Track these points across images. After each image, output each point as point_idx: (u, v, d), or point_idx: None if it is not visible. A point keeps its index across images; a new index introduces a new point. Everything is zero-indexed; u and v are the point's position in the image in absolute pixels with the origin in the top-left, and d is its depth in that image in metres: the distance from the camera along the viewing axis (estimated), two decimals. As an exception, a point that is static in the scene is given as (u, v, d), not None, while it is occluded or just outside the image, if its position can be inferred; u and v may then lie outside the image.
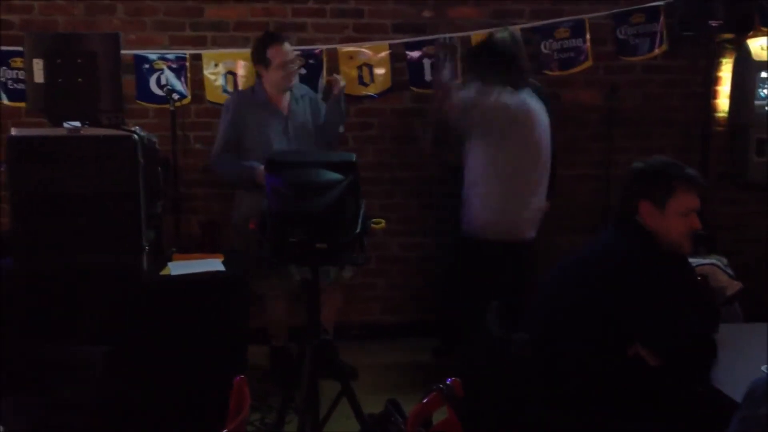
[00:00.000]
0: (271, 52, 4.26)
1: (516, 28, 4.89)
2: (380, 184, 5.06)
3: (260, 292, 4.46)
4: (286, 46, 4.31)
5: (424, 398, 2.01)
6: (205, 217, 4.90)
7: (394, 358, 4.86)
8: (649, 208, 2.59)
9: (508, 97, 3.85)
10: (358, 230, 3.19)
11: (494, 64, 3.91)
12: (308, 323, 3.38)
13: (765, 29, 5.09)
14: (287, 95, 4.41)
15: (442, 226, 4.97)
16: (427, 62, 4.99)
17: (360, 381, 4.24)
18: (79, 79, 3.47)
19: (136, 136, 3.48)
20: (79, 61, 3.48)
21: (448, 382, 2.02)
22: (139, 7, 4.77)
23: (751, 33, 5.03)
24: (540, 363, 2.51)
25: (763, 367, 2.50)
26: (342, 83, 4.46)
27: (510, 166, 3.87)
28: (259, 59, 4.31)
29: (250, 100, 4.34)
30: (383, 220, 3.66)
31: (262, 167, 4.02)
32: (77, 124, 3.47)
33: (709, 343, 2.47)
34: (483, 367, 2.63)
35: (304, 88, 4.58)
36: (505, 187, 3.88)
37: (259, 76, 4.42)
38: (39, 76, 3.50)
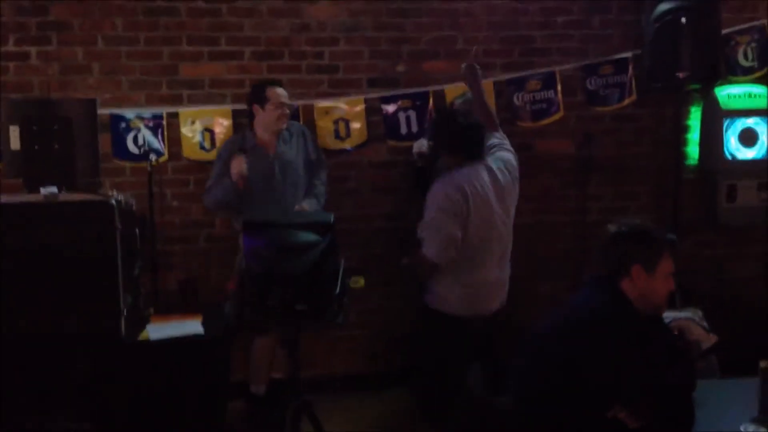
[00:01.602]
0: (269, 92, 4.47)
1: (486, 82, 4.96)
2: (359, 236, 5.08)
3: (243, 344, 4.46)
4: (282, 90, 4.53)
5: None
6: (182, 273, 4.88)
7: (378, 411, 4.84)
8: (640, 271, 2.65)
9: (464, 180, 3.79)
10: (337, 291, 3.21)
11: (454, 137, 3.89)
12: (289, 381, 3.38)
13: (731, 78, 5.23)
14: (275, 137, 4.55)
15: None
16: (402, 115, 5.06)
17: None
18: (56, 146, 3.49)
19: (113, 201, 3.49)
20: (55, 127, 3.50)
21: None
22: (115, 66, 4.78)
23: (717, 82, 5.15)
24: (523, 425, 2.53)
25: (742, 427, 2.53)
26: None
27: (468, 244, 3.80)
28: (258, 98, 4.50)
29: (239, 146, 4.47)
30: (362, 278, 3.66)
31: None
32: (54, 189, 3.47)
33: (687, 405, 2.49)
34: (467, 429, 2.63)
35: (296, 126, 4.72)
36: (464, 264, 3.82)
37: (248, 122, 4.56)
38: (15, 143, 3.52)
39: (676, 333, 3.33)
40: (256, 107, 4.50)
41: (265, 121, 4.50)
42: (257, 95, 4.51)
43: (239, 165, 4.32)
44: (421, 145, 4.48)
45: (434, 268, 3.80)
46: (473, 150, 3.89)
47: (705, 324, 3.57)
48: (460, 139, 3.88)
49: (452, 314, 3.80)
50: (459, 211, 3.74)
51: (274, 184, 4.47)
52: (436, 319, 3.85)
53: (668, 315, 3.50)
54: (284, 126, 4.54)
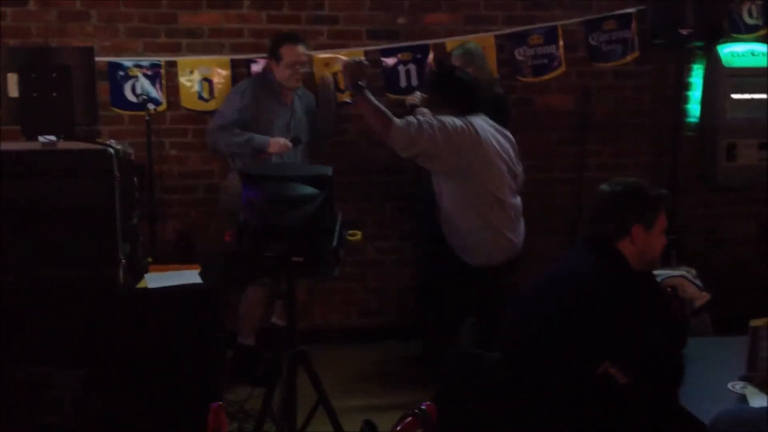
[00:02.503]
0: (284, 50, 4.46)
1: (487, 36, 4.96)
2: (356, 189, 5.10)
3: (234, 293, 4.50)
4: (301, 48, 4.52)
5: (398, 424, 2.05)
6: (180, 223, 4.91)
7: (372, 363, 4.91)
8: (639, 230, 2.65)
9: (476, 123, 3.82)
10: (334, 244, 3.23)
11: (454, 91, 3.89)
12: (286, 332, 3.42)
13: (734, 36, 5.19)
14: (292, 94, 4.59)
15: (417, 228, 5.02)
16: (402, 68, 5.03)
17: (338, 386, 4.29)
18: (54, 93, 3.47)
19: (111, 150, 3.48)
20: (53, 75, 3.47)
21: (423, 407, 2.06)
22: (113, 13, 4.74)
23: (720, 40, 5.10)
24: (513, 382, 2.56)
25: (729, 385, 2.57)
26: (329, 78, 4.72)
27: (481, 195, 3.82)
28: (272, 53, 4.52)
29: (266, 87, 4.52)
30: (359, 233, 3.69)
31: (271, 139, 4.35)
32: (52, 137, 3.47)
33: (677, 362, 2.53)
34: (457, 384, 2.67)
35: (305, 91, 4.74)
36: (481, 218, 3.82)
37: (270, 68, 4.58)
38: (13, 90, 3.51)
39: (669, 290, 3.37)
40: (271, 62, 4.51)
41: (280, 77, 4.51)
42: (273, 50, 4.50)
43: (281, 148, 4.36)
44: (415, 96, 4.49)
45: (383, 129, 3.68)
46: (474, 103, 3.90)
47: (698, 282, 3.59)
48: (461, 93, 3.89)
49: (470, 263, 3.85)
50: (461, 143, 3.69)
51: (287, 136, 4.48)
52: (456, 266, 3.90)
53: (662, 273, 3.53)
54: (298, 85, 4.57)
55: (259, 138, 4.38)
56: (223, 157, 4.67)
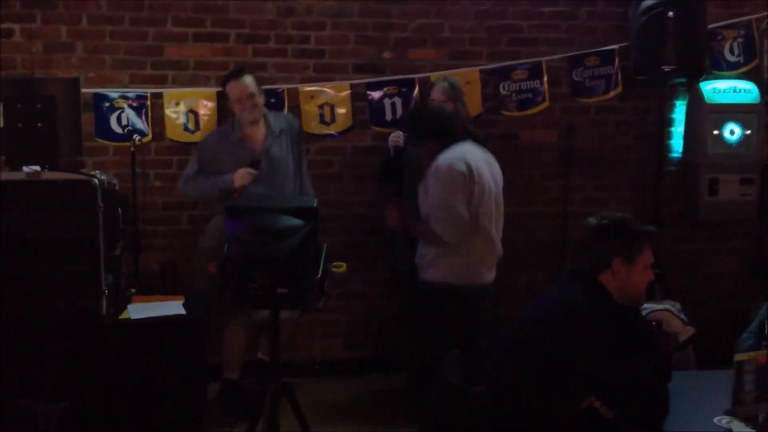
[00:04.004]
0: (228, 88, 4.43)
1: (472, 71, 5.03)
2: (341, 221, 5.10)
3: (218, 327, 4.46)
4: (246, 80, 4.41)
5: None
6: (164, 254, 4.88)
7: (356, 395, 4.87)
8: (620, 264, 2.66)
9: (464, 154, 3.91)
10: (318, 275, 3.22)
11: (435, 124, 4.00)
12: (269, 365, 3.40)
13: (716, 73, 5.27)
14: (262, 130, 4.50)
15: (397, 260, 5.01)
16: (387, 101, 5.06)
17: (321, 419, 4.25)
18: (39, 124, 3.47)
19: (95, 181, 3.48)
20: (38, 105, 3.47)
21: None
22: (99, 45, 4.76)
23: (703, 77, 5.17)
24: (497, 415, 2.55)
25: (716, 419, 2.57)
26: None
27: (472, 216, 3.90)
28: (224, 95, 4.49)
29: (227, 137, 4.47)
30: (344, 264, 3.70)
31: (236, 172, 4.27)
32: (37, 168, 3.46)
33: (661, 396, 2.52)
34: (442, 418, 2.65)
35: (284, 122, 4.64)
36: (468, 235, 3.91)
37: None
38: (-2, 120, 3.50)
39: (654, 324, 3.38)
40: (229, 104, 4.49)
41: (237, 116, 4.47)
42: (223, 92, 4.49)
43: (244, 178, 4.28)
44: (398, 137, 4.52)
45: (443, 243, 3.89)
46: (452, 132, 3.99)
47: (683, 316, 3.62)
48: (439, 125, 3.99)
49: (453, 284, 3.91)
50: (464, 185, 3.84)
51: (259, 180, 4.39)
52: (437, 292, 3.95)
53: (647, 307, 3.56)
54: (255, 117, 4.43)
55: (221, 178, 4.34)
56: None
